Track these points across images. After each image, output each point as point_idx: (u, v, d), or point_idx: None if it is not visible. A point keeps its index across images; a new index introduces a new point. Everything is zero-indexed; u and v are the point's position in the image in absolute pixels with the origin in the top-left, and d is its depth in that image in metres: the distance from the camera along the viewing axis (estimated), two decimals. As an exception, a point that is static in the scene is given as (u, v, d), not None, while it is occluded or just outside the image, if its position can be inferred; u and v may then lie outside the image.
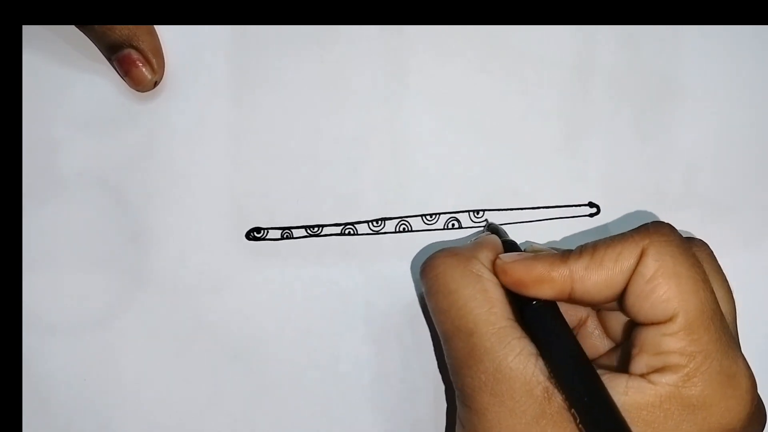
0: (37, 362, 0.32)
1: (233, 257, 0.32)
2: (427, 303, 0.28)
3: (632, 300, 0.25)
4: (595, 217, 0.33)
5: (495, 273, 0.27)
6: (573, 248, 0.26)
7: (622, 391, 0.24)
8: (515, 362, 0.25)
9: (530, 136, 0.32)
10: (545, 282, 0.26)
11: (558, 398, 0.25)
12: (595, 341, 0.29)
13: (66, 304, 0.31)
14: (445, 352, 0.27)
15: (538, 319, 0.26)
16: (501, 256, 0.27)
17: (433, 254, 0.28)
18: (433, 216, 0.32)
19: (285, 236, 0.32)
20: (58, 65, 0.31)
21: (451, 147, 0.32)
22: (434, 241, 0.32)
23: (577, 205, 0.33)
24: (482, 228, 0.32)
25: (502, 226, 0.31)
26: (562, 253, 0.26)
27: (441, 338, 0.27)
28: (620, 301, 0.26)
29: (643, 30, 0.33)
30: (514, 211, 0.32)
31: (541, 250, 0.28)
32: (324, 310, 0.32)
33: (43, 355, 0.32)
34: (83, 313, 0.31)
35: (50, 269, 0.31)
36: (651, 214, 0.33)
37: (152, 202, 0.32)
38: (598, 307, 0.29)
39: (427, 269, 0.27)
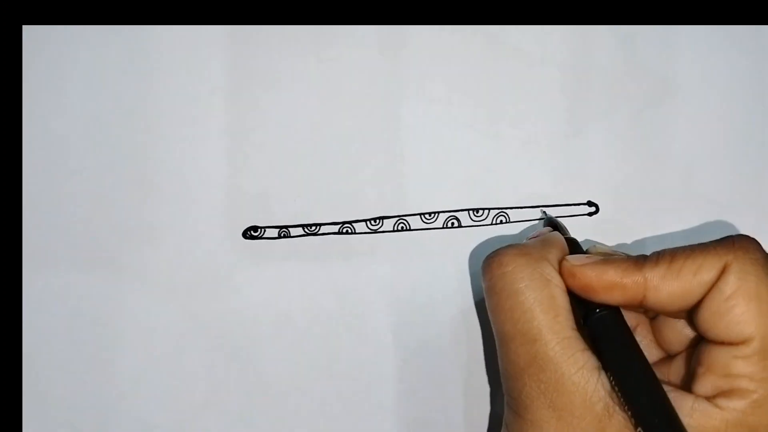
0: (37, 362, 0.31)
1: (230, 256, 0.32)
2: (488, 300, 0.27)
3: (707, 316, 0.24)
4: (594, 216, 0.33)
5: (562, 275, 0.26)
6: (648, 254, 0.26)
7: (687, 413, 0.24)
8: (578, 376, 0.24)
9: (529, 135, 0.32)
10: (616, 289, 0.25)
11: (619, 416, 0.24)
12: (644, 349, 0.27)
13: (63, 303, 0.31)
14: (501, 355, 0.26)
15: (603, 328, 0.25)
16: (569, 257, 0.26)
17: (501, 250, 0.26)
18: (432, 215, 0.32)
19: (282, 235, 0.32)
20: (58, 65, 0.31)
21: (450, 146, 0.32)
22: (434, 240, 0.32)
23: (576, 204, 0.32)
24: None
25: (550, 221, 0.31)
26: (635, 259, 0.25)
27: (498, 339, 0.26)
28: (690, 313, 0.25)
29: (640, 30, 0.33)
30: (513, 209, 0.32)
31: (605, 251, 0.27)
32: (321, 309, 0.32)
33: (42, 355, 0.31)
34: (80, 312, 0.31)
35: (49, 269, 0.31)
36: (649, 213, 0.33)
37: (149, 200, 0.31)
38: (659, 315, 0.28)
39: (494, 265, 0.26)
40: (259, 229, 0.32)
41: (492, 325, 0.27)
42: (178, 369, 0.31)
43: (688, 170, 0.33)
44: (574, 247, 0.28)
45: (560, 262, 0.26)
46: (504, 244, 0.28)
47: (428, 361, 0.32)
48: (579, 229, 0.32)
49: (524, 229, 0.32)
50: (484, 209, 0.32)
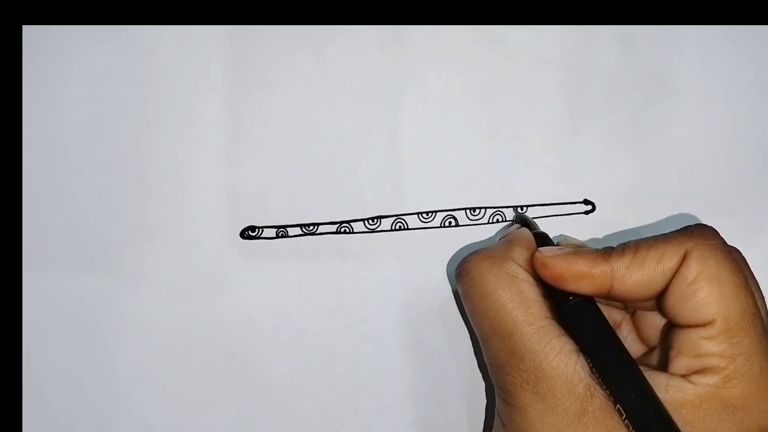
0: (36, 362, 0.32)
1: (228, 256, 0.32)
2: (464, 305, 0.28)
3: (672, 301, 0.25)
4: (591, 214, 0.33)
5: (534, 267, 0.27)
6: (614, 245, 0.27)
7: (663, 389, 0.25)
8: (556, 360, 0.25)
9: (526, 134, 0.32)
10: (585, 278, 0.26)
11: (600, 395, 0.25)
12: (629, 345, 0.28)
13: (62, 303, 0.31)
14: (484, 352, 0.28)
15: (576, 315, 0.26)
16: (540, 249, 0.28)
17: (467, 257, 0.28)
18: (430, 214, 0.32)
19: (280, 235, 0.32)
20: (58, 65, 0.32)
21: (448, 145, 0.32)
22: (432, 239, 0.32)
23: (573, 203, 0.32)
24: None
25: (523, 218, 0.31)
26: (603, 250, 0.27)
27: (480, 339, 0.28)
28: (658, 301, 0.26)
29: (639, 30, 0.33)
30: (510, 208, 0.32)
31: (575, 244, 0.29)
32: (319, 309, 0.32)
33: (41, 355, 0.32)
34: (78, 312, 0.31)
35: (48, 269, 0.31)
36: (647, 212, 0.33)
37: (147, 200, 0.32)
38: (633, 307, 0.29)
39: (462, 273, 0.28)
40: (256, 229, 0.32)
41: (473, 328, 0.28)
42: (177, 369, 0.32)
43: (686, 170, 0.33)
44: (543, 240, 0.29)
45: (532, 256, 0.28)
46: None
47: (427, 361, 0.32)
48: (576, 227, 0.32)
49: (498, 231, 0.32)
50: (481, 208, 0.32)
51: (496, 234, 0.32)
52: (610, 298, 0.27)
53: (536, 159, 0.32)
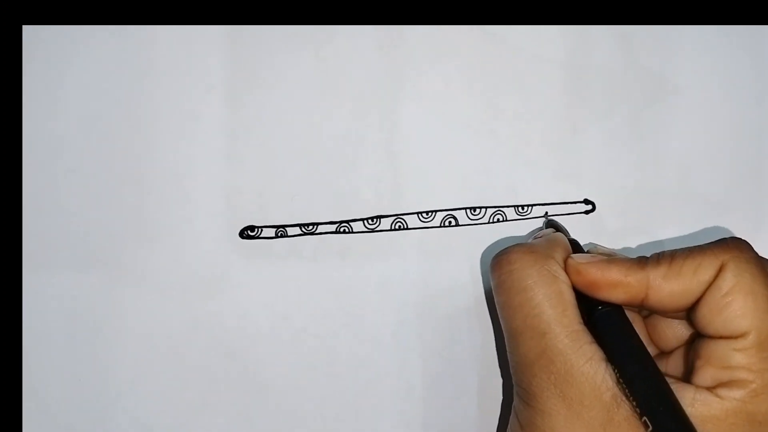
0: (36, 362, 0.32)
1: (227, 256, 0.31)
2: (496, 297, 0.28)
3: (704, 312, 0.25)
4: (591, 214, 0.33)
5: (567, 273, 0.27)
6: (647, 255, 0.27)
7: (689, 403, 0.24)
8: (586, 367, 0.25)
9: (526, 133, 0.32)
10: (620, 286, 0.26)
11: (626, 406, 0.25)
12: None
13: (61, 302, 0.31)
14: (511, 348, 0.27)
15: (607, 323, 0.26)
16: (574, 256, 0.28)
17: (509, 248, 0.27)
18: (429, 213, 0.32)
19: (279, 234, 0.32)
20: (57, 65, 0.32)
21: (447, 144, 0.32)
22: (431, 239, 0.32)
23: (573, 202, 0.32)
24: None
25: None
26: (637, 259, 0.26)
27: (507, 334, 0.27)
28: (688, 311, 0.26)
29: (638, 29, 0.33)
30: (510, 208, 0.32)
31: (605, 252, 0.28)
32: (319, 308, 0.32)
33: (41, 355, 0.32)
34: (77, 312, 0.31)
35: (47, 269, 0.31)
36: (646, 212, 0.33)
37: (146, 200, 0.32)
38: (659, 314, 0.29)
39: (502, 263, 0.27)
40: (256, 229, 0.32)
41: (501, 321, 0.28)
42: (176, 369, 0.31)
43: (685, 169, 0.33)
44: (575, 247, 0.29)
45: (565, 261, 0.27)
46: (505, 244, 0.30)
47: (426, 360, 0.32)
48: (576, 227, 0.32)
49: (530, 231, 0.32)
50: (481, 208, 0.32)
51: (494, 235, 0.32)
52: (642, 307, 0.27)
53: (536, 158, 0.32)
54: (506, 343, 0.27)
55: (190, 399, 0.31)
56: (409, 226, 0.32)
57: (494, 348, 0.32)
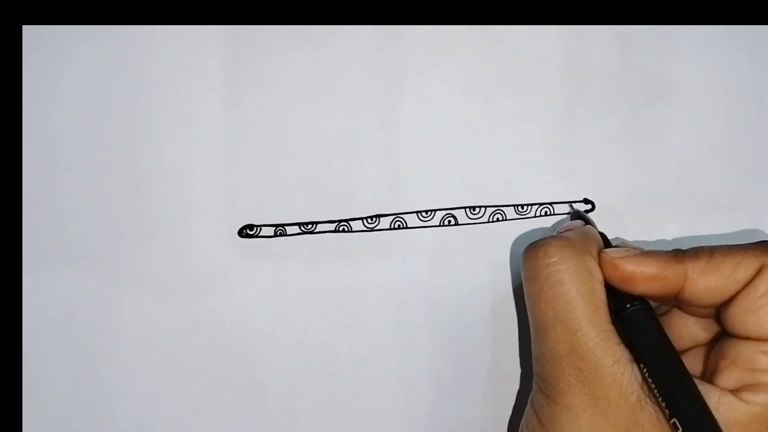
0: (35, 362, 0.31)
1: (226, 255, 0.31)
2: (528, 287, 0.27)
3: (737, 311, 0.25)
4: (590, 213, 0.32)
5: (601, 267, 0.27)
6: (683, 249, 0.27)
7: (714, 407, 0.24)
8: (615, 368, 0.25)
9: (525, 133, 0.32)
10: (658, 280, 0.26)
11: (650, 407, 0.25)
12: None
13: (60, 302, 0.31)
14: (536, 340, 0.27)
15: (637, 322, 0.26)
16: (608, 250, 0.27)
17: (547, 240, 0.27)
18: (429, 213, 0.32)
19: (278, 233, 0.32)
20: (57, 65, 0.32)
21: (446, 144, 0.32)
22: (431, 238, 0.32)
23: (573, 202, 0.32)
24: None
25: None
26: (674, 253, 0.26)
27: (535, 326, 0.27)
28: (719, 309, 0.26)
29: (637, 29, 0.33)
30: (509, 207, 0.32)
31: (632, 247, 0.28)
32: (318, 307, 0.32)
33: (40, 354, 0.31)
34: (76, 311, 0.31)
35: (46, 268, 0.31)
36: (645, 211, 0.33)
37: (145, 199, 0.32)
38: (688, 312, 0.28)
39: (539, 254, 0.27)
40: (255, 228, 0.32)
41: (529, 312, 0.27)
42: (175, 367, 0.31)
43: (684, 169, 0.33)
44: (605, 241, 0.29)
45: (598, 255, 0.27)
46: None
47: (426, 360, 0.32)
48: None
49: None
50: (481, 207, 0.32)
51: (492, 235, 0.32)
52: (675, 301, 0.27)
53: (535, 158, 0.32)
54: (532, 335, 0.27)
55: (189, 398, 0.31)
56: (408, 226, 0.32)
57: (493, 347, 0.32)
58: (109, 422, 0.31)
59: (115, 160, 0.32)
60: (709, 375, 0.26)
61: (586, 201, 0.32)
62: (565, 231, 0.29)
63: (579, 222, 0.30)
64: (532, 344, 0.27)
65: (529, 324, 0.27)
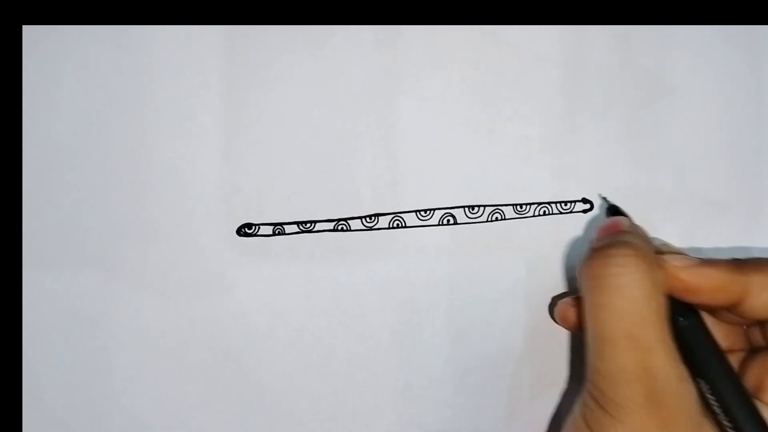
0: (35, 361, 0.32)
1: (224, 254, 0.31)
2: (591, 297, 0.26)
3: None
4: (588, 213, 0.32)
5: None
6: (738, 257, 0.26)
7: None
8: (681, 387, 0.25)
9: (524, 132, 0.32)
10: (721, 292, 0.25)
11: (708, 425, 0.25)
12: None
13: (58, 301, 0.31)
14: (599, 354, 0.25)
15: (694, 336, 0.26)
16: (667, 257, 0.26)
17: (615, 245, 0.26)
18: (428, 212, 0.32)
19: (277, 232, 0.32)
20: (57, 65, 0.32)
21: (445, 143, 0.32)
22: (429, 237, 0.32)
23: (571, 201, 0.32)
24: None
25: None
26: (734, 263, 0.26)
27: (600, 339, 0.25)
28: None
29: (636, 29, 0.33)
30: (508, 206, 0.32)
31: (671, 248, 0.28)
32: (316, 307, 0.32)
33: (39, 354, 0.32)
34: (74, 311, 0.31)
35: (45, 268, 0.31)
36: (643, 211, 0.32)
37: (144, 198, 0.32)
38: (742, 322, 0.28)
39: (606, 262, 0.25)
40: (253, 227, 0.32)
41: (591, 322, 0.26)
42: (174, 367, 0.31)
43: (683, 169, 0.33)
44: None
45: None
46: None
47: (424, 360, 0.32)
48: (575, 227, 0.32)
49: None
50: (479, 206, 0.32)
51: (490, 235, 0.32)
52: (732, 313, 0.26)
53: (534, 157, 0.32)
54: (593, 347, 0.26)
55: (187, 397, 0.31)
56: (407, 225, 0.32)
57: (492, 347, 0.32)
58: (109, 422, 0.31)
59: (115, 159, 0.32)
60: (754, 390, 0.26)
61: (584, 200, 0.32)
62: (616, 232, 0.27)
63: (625, 220, 0.29)
64: (591, 356, 0.26)
65: (527, 323, 0.27)
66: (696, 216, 0.33)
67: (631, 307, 0.25)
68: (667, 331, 0.25)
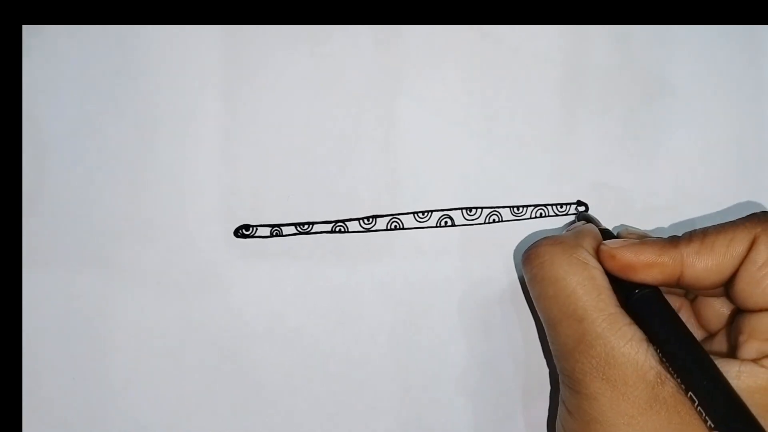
0: (34, 361, 0.32)
1: (222, 255, 0.31)
2: (531, 290, 0.28)
3: (742, 286, 0.26)
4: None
5: (600, 260, 0.27)
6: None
7: (735, 376, 0.25)
8: (627, 348, 0.25)
9: (521, 134, 0.32)
10: (655, 266, 0.26)
11: (671, 383, 0.25)
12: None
13: (57, 301, 0.32)
14: (551, 338, 0.28)
15: (645, 305, 0.27)
16: (606, 242, 0.28)
17: (538, 242, 0.28)
18: (425, 213, 0.32)
19: (274, 234, 0.32)
20: (57, 65, 0.32)
21: (443, 144, 0.32)
22: (426, 238, 0.32)
23: (567, 204, 0.32)
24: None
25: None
26: (669, 239, 0.27)
27: (546, 324, 0.28)
28: (726, 287, 0.27)
29: (635, 29, 0.33)
30: (506, 208, 0.32)
31: (638, 234, 0.29)
32: (314, 308, 0.32)
33: (39, 354, 0.32)
34: (73, 311, 0.31)
35: (45, 267, 0.32)
36: (641, 212, 0.33)
37: (142, 199, 0.32)
38: (697, 294, 0.29)
39: (532, 257, 0.28)
40: (251, 228, 0.32)
41: (539, 312, 0.28)
42: (172, 367, 0.32)
43: (681, 169, 0.33)
44: (607, 235, 0.29)
45: (597, 249, 0.28)
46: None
47: (422, 360, 0.32)
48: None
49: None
50: (477, 208, 0.32)
51: (488, 236, 0.32)
52: (678, 285, 0.27)
53: (533, 158, 0.32)
54: (547, 334, 0.28)
55: (186, 397, 0.32)
56: (404, 226, 0.32)
57: (489, 348, 0.32)
58: (108, 421, 0.32)
59: (114, 160, 0.32)
60: (732, 351, 0.26)
61: (579, 203, 0.32)
62: (566, 232, 0.30)
63: (581, 223, 0.31)
64: (549, 343, 0.28)
65: (525, 324, 0.28)
66: (694, 216, 0.33)
67: (558, 288, 0.27)
68: (606, 301, 0.26)
